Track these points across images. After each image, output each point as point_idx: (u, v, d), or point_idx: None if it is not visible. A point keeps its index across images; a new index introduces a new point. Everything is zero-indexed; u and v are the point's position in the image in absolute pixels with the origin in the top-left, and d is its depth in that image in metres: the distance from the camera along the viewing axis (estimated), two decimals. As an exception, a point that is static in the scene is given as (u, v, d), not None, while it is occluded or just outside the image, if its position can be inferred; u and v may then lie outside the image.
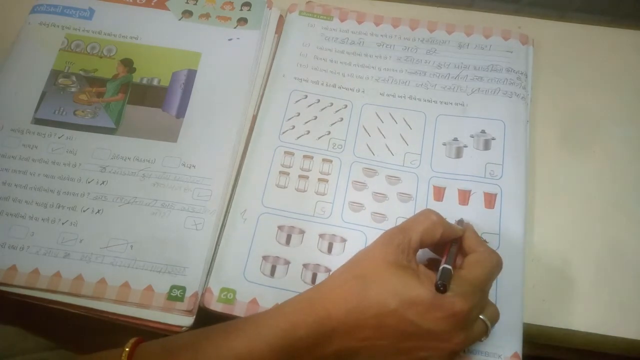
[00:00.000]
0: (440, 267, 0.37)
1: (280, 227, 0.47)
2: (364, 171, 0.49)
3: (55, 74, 0.53)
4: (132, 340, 0.36)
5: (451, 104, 0.52)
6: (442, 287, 0.35)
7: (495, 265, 0.39)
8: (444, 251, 0.41)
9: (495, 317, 0.39)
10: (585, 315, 0.44)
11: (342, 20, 0.57)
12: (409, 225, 0.40)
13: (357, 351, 0.37)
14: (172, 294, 0.43)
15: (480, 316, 0.38)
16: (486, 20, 0.57)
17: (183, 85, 0.53)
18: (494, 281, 0.41)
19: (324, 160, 0.50)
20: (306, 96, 0.53)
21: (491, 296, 0.42)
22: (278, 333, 0.36)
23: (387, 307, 0.36)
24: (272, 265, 0.45)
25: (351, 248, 0.46)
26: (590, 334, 0.44)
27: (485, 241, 0.44)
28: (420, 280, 0.37)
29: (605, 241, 0.47)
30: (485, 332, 0.39)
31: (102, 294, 0.43)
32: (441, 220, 0.41)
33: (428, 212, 0.41)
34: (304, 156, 0.50)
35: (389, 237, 0.39)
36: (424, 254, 0.44)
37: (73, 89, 0.53)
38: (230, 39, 0.56)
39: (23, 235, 0.46)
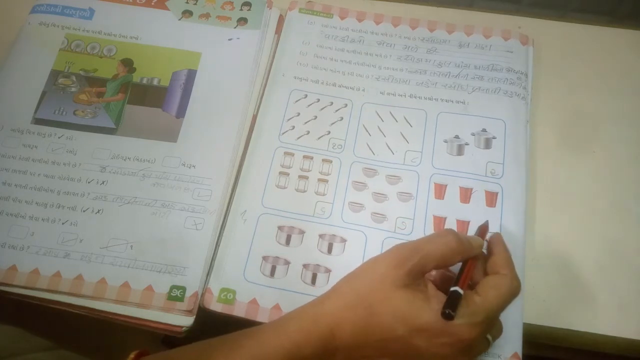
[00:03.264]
0: (450, 290, 0.36)
1: (280, 228, 0.47)
2: (363, 171, 0.49)
3: (55, 74, 0.53)
4: (132, 355, 0.36)
5: (452, 101, 0.52)
6: (448, 316, 0.34)
7: (513, 294, 0.37)
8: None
9: (498, 333, 0.39)
10: (585, 315, 0.44)
11: (342, 18, 0.57)
12: (425, 247, 0.37)
13: None
14: (172, 294, 0.43)
15: (486, 336, 0.37)
16: (486, 20, 0.57)
17: (183, 85, 0.53)
18: (507, 306, 0.38)
19: (323, 160, 0.50)
20: (306, 95, 0.53)
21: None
22: (281, 352, 0.35)
23: (394, 332, 0.35)
24: (272, 266, 0.45)
25: (351, 248, 0.46)
26: (590, 334, 0.44)
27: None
28: (429, 304, 0.35)
29: (605, 241, 0.47)
30: (487, 347, 0.38)
31: (102, 294, 0.43)
32: (461, 247, 0.37)
33: (448, 237, 0.38)
34: (304, 157, 0.50)
35: (402, 257, 0.37)
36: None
37: (73, 89, 0.53)
38: (230, 39, 0.55)
39: (23, 235, 0.46)
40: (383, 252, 0.38)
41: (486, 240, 0.41)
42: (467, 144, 0.50)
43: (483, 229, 0.43)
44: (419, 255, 0.37)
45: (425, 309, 0.35)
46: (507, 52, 0.54)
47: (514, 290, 0.37)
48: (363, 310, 0.36)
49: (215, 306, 0.44)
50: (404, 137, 0.51)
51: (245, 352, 0.36)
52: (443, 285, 0.38)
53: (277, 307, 0.44)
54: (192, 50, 0.55)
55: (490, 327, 0.37)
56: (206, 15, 0.57)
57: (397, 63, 0.55)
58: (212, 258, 0.46)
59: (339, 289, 0.38)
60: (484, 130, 0.50)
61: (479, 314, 0.35)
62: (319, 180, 0.49)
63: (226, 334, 0.37)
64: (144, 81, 0.54)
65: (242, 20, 0.56)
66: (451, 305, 0.35)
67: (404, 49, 0.55)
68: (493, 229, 0.45)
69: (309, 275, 0.45)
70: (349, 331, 0.36)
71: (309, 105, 0.53)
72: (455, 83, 0.53)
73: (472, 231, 0.46)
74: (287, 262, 0.45)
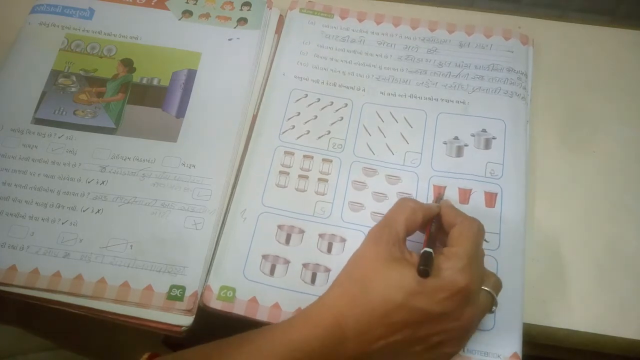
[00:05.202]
0: (421, 252, 0.38)
1: (280, 227, 0.47)
2: (363, 171, 0.49)
3: (55, 74, 0.53)
4: (145, 356, 0.37)
5: (452, 102, 0.52)
6: (424, 272, 0.36)
7: (478, 232, 0.40)
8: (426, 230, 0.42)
9: (497, 286, 0.40)
10: (585, 315, 0.44)
11: (342, 18, 0.57)
12: (391, 218, 0.40)
13: (373, 353, 0.37)
14: (171, 293, 0.43)
15: (483, 287, 0.38)
16: (486, 20, 0.57)
17: (183, 85, 0.53)
18: (481, 246, 0.40)
19: (324, 160, 0.50)
20: (306, 95, 0.53)
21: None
22: (290, 346, 0.36)
23: (394, 302, 0.36)
24: (272, 265, 0.45)
25: (351, 248, 0.45)
26: (590, 334, 0.44)
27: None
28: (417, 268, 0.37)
29: (605, 241, 0.47)
30: (492, 302, 0.39)
31: (101, 294, 0.43)
32: (418, 205, 0.41)
33: (404, 201, 0.42)
34: (304, 156, 0.50)
35: (375, 235, 0.40)
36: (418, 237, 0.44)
37: (73, 89, 0.53)
38: (230, 39, 0.56)
39: (23, 235, 0.46)
40: None
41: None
42: (466, 145, 0.50)
43: (438, 198, 0.47)
44: (388, 225, 0.40)
45: (414, 272, 0.36)
46: (508, 52, 0.54)
47: (476, 227, 0.40)
48: (358, 291, 0.37)
49: (215, 304, 0.44)
50: (404, 138, 0.51)
51: (255, 347, 0.37)
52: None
53: (276, 305, 0.43)
54: (192, 50, 0.55)
55: (479, 273, 0.38)
56: (206, 15, 0.57)
57: (397, 63, 0.55)
58: (212, 257, 0.46)
59: (336, 281, 0.40)
60: (483, 130, 0.50)
61: (462, 259, 0.37)
62: (319, 179, 0.49)
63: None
64: (144, 81, 0.54)
65: (242, 20, 0.56)
66: (424, 263, 0.36)
67: (404, 49, 0.55)
68: (493, 229, 0.46)
69: (309, 274, 0.45)
70: (352, 315, 0.37)
71: (309, 105, 0.53)
72: (455, 83, 0.53)
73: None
74: (286, 261, 0.45)
